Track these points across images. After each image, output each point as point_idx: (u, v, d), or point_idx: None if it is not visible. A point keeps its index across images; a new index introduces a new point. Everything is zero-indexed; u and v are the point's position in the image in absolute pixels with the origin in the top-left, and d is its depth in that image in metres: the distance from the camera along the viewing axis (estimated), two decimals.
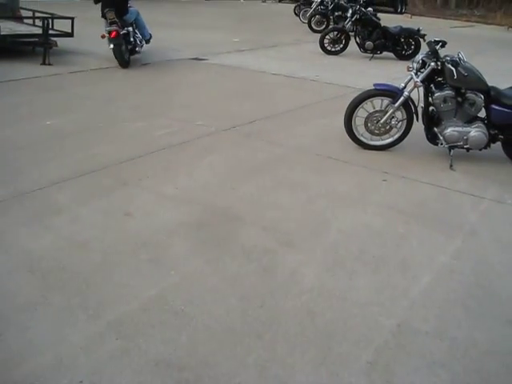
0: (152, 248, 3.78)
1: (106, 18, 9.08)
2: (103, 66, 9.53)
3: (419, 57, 5.80)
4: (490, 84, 5.83)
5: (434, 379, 2.79)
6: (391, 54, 12.71)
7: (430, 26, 22.79)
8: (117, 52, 9.10)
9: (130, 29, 9.43)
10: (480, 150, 5.85)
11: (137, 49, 9.75)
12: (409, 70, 5.80)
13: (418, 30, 12.50)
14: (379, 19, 13.10)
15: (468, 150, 5.83)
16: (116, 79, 8.83)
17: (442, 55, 5.71)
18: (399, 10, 33.25)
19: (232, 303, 3.25)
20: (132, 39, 9.51)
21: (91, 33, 9.92)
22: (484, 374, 2.85)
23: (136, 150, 5.51)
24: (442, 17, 33.46)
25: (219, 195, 4.67)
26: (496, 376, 2.85)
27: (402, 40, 12.67)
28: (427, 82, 5.73)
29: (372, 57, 12.48)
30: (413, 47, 12.59)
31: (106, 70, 9.32)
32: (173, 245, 3.84)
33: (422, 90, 5.79)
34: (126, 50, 9.37)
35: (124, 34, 9.13)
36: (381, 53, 12.63)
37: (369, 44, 12.54)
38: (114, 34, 8.80)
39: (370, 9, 13.35)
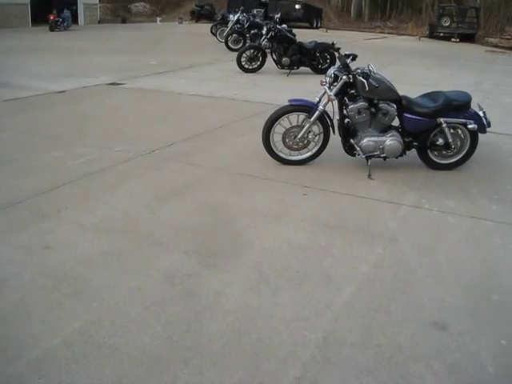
0: (73, 280, 3.67)
1: None
2: (20, 96, 9.29)
3: (331, 71, 5.90)
4: (402, 93, 6.00)
5: None
6: (308, 69, 12.95)
7: (346, 39, 23.47)
8: None
9: None
10: (396, 157, 6.01)
11: None
12: (322, 85, 5.90)
13: (333, 44, 12.72)
14: (295, 35, 13.33)
15: (385, 158, 5.98)
16: (32, 109, 8.61)
17: (353, 68, 5.83)
18: (315, 25, 34.09)
19: (157, 330, 3.19)
20: None
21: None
22: (410, 379, 2.90)
23: (54, 181, 5.37)
24: (356, 29, 34.50)
25: (139, 221, 4.59)
26: (421, 379, 2.90)
27: (318, 54, 12.96)
28: (341, 94, 5.84)
29: (289, 72, 12.69)
30: (328, 61, 12.88)
31: (21, 101, 9.08)
32: (94, 276, 3.74)
33: (336, 103, 5.90)
34: None
35: None
36: (298, 68, 12.87)
37: (285, 60, 12.76)
38: None
39: (284, 25, 13.58)
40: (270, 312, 3.39)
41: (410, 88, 6.78)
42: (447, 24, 29.36)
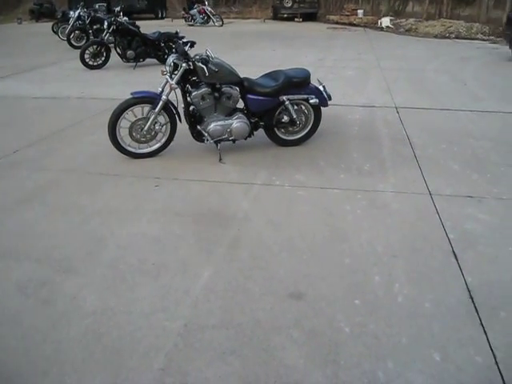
0: None
1: None
2: None
3: (170, 59, 5.85)
4: (250, 76, 6.12)
5: (227, 368, 2.87)
6: (155, 60, 12.83)
7: (191, 27, 23.50)
8: None
9: None
10: (245, 139, 6.12)
11: None
12: (163, 74, 5.85)
13: (176, 33, 12.75)
14: (138, 27, 13.13)
15: (234, 141, 6.07)
16: None
17: (192, 55, 5.84)
18: (160, 15, 33.72)
19: (12, 345, 3.05)
20: None
21: None
22: (272, 351, 2.98)
23: None
24: None
25: None
26: (282, 350, 2.99)
27: (163, 45, 12.84)
28: (183, 82, 5.84)
29: (135, 65, 12.51)
30: (174, 50, 12.76)
31: None
32: None
33: (179, 91, 5.89)
34: None
35: None
36: (143, 60, 12.72)
37: (130, 53, 12.57)
38: None
39: (125, 18, 13.31)
40: (128, 308, 3.36)
41: (257, 70, 6.91)
42: (289, 5, 30.06)
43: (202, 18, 27.42)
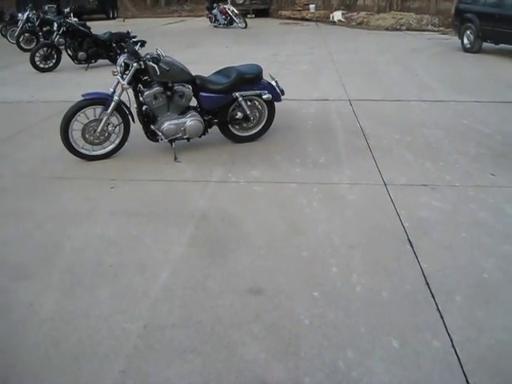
0: None
1: None
2: None
3: (121, 60, 5.80)
4: (204, 73, 6.11)
5: (187, 366, 2.86)
6: (107, 61, 12.68)
7: (144, 27, 23.30)
8: None
9: None
10: (199, 137, 6.11)
11: None
12: (114, 75, 5.79)
13: (128, 33, 12.62)
14: (89, 28, 12.96)
15: (188, 139, 6.05)
16: None
17: (143, 54, 5.80)
18: (111, 15, 33.33)
19: None
20: None
21: None
22: (232, 347, 2.99)
23: None
24: (154, 16, 34.24)
25: None
26: (242, 345, 3.00)
27: (114, 45, 12.69)
28: (134, 82, 5.78)
29: (87, 67, 12.35)
30: (126, 50, 12.64)
31: None
32: None
33: (131, 91, 5.84)
34: None
35: None
36: (95, 61, 12.57)
37: (81, 54, 12.40)
38: None
39: (75, 19, 13.12)
40: (87, 312, 3.32)
41: (210, 67, 6.89)
42: (241, 1, 30.05)
43: (225, 19, 24.21)
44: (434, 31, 20.69)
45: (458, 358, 2.88)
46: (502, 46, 14.06)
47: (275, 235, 4.21)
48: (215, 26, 24.62)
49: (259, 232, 4.26)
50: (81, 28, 12.66)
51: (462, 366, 2.83)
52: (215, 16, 24.64)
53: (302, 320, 3.21)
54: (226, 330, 3.13)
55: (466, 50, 14.64)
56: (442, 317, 3.22)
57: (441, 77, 10.75)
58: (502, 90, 9.42)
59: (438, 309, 3.29)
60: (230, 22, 24.04)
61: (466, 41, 14.73)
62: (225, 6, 24.11)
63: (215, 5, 24.72)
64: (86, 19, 21.66)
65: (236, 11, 24.24)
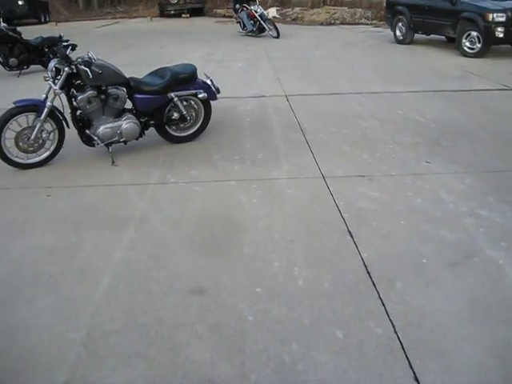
0: None
1: None
2: None
3: (52, 64, 5.69)
4: (139, 75, 6.06)
5: (133, 371, 2.84)
6: (40, 66, 12.40)
7: (78, 30, 22.88)
8: None
9: None
10: (136, 139, 6.06)
11: None
12: (46, 80, 5.66)
13: (60, 37, 12.28)
14: (20, 33, 12.61)
15: (125, 142, 5.98)
16: None
17: (74, 58, 5.70)
18: (43, 19, 32.58)
19: None
20: None
21: None
22: (177, 349, 2.98)
23: None
24: (87, 18, 33.66)
25: None
26: (187, 346, 3.00)
27: (47, 50, 12.40)
28: (67, 87, 5.68)
29: (20, 73, 12.04)
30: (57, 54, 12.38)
31: None
32: None
33: (64, 96, 5.72)
34: None
35: None
36: (28, 67, 12.26)
37: (13, 61, 12.07)
38: None
39: (4, 24, 12.77)
40: (27, 323, 3.25)
41: (146, 69, 6.82)
42: (175, 1, 29.89)
43: (253, 25, 18.37)
44: (367, 24, 21.07)
45: (401, 343, 2.95)
46: (432, 36, 14.46)
47: (216, 234, 4.22)
48: (246, 35, 18.99)
49: (200, 231, 4.26)
50: (10, 33, 12.30)
51: (404, 351, 2.90)
52: (242, 20, 19.19)
53: (246, 317, 3.23)
54: (171, 332, 3.12)
55: (398, 41, 15.01)
56: (383, 304, 3.29)
57: (375, 69, 10.96)
58: (435, 80, 9.69)
59: (380, 296, 3.36)
60: (261, 29, 18.43)
61: (398, 33, 15.10)
62: (251, 8, 18.40)
63: (238, 6, 19.37)
64: (17, 24, 21.14)
65: (266, 13, 19.35)
